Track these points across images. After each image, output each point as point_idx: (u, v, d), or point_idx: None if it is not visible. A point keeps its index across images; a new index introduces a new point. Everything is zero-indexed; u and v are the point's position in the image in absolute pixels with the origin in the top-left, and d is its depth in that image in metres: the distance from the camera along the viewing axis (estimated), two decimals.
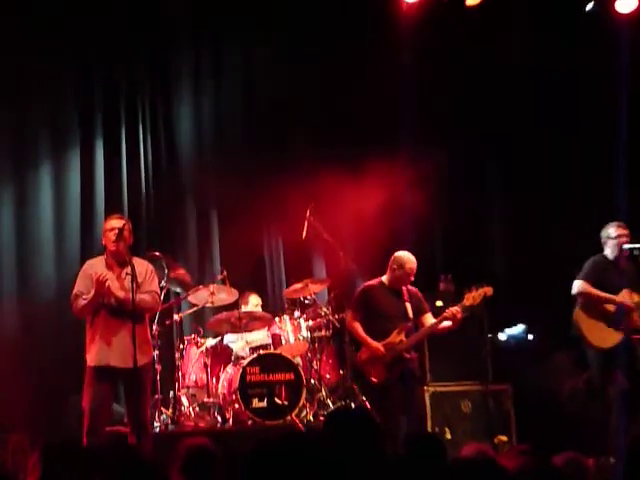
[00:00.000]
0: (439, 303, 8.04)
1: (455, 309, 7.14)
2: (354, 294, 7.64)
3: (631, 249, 7.55)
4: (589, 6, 8.95)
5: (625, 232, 7.60)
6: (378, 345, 7.14)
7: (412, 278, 7.38)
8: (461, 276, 8.38)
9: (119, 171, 8.98)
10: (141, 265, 6.70)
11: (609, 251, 7.61)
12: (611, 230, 7.56)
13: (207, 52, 9.41)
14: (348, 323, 7.60)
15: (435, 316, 7.23)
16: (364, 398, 7.85)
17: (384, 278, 7.39)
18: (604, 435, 6.85)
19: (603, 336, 7.50)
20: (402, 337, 7.15)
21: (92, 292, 6.44)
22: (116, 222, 6.67)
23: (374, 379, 7.17)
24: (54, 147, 8.74)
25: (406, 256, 7.36)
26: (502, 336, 9.11)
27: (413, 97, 9.05)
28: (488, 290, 7.24)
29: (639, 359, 7.53)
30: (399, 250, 7.51)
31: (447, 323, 7.11)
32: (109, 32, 8.61)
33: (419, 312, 7.30)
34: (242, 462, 2.03)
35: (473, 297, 7.22)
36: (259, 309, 8.70)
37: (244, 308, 8.54)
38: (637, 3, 8.89)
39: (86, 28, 8.53)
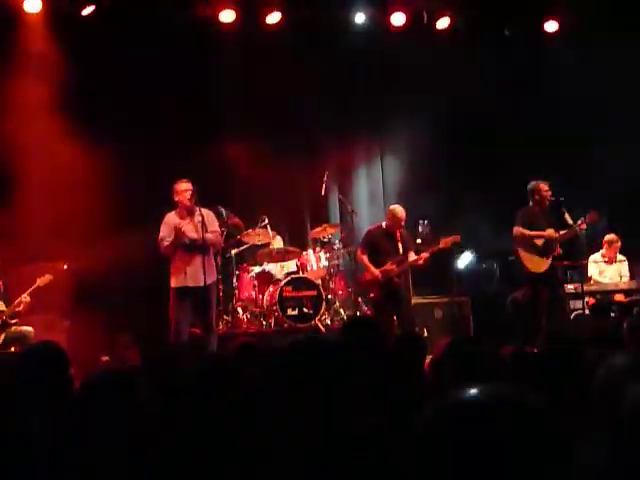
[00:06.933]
0: (418, 241, 9.31)
1: (425, 254, 8.57)
2: (363, 235, 8.89)
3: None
4: None
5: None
6: (377, 271, 8.59)
7: (402, 224, 8.65)
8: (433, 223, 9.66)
9: None
10: (206, 213, 7.90)
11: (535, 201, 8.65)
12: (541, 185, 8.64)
13: None
14: (357, 255, 8.87)
15: (415, 252, 8.64)
16: (365, 308, 9.35)
17: (383, 223, 8.76)
18: (535, 331, 7.62)
19: (536, 263, 8.61)
20: (394, 267, 8.55)
21: (172, 236, 7.77)
22: (188, 185, 7.80)
23: (372, 295, 8.71)
24: None
25: (397, 208, 8.65)
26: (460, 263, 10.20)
27: None
28: (457, 238, 8.71)
29: (558, 279, 8.84)
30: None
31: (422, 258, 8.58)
32: None
33: (407, 249, 8.65)
34: (277, 356, 2.05)
35: (446, 242, 8.65)
36: (282, 245, 9.80)
37: (272, 246, 9.68)
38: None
39: None
